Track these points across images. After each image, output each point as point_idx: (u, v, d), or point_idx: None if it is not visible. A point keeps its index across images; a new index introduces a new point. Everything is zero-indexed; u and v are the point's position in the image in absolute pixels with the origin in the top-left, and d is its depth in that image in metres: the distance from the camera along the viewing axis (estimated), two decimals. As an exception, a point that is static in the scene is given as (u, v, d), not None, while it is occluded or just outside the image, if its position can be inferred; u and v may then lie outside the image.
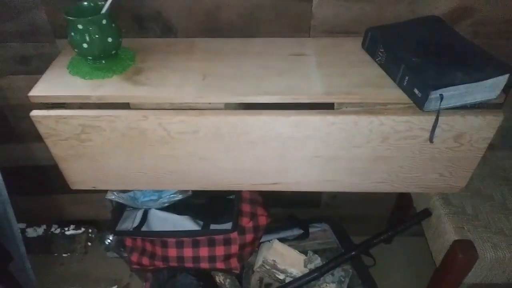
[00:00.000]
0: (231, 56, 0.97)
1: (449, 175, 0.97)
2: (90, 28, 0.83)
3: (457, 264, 0.98)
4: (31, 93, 0.85)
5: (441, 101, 0.76)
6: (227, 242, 1.14)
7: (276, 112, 0.85)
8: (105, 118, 0.85)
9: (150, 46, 1.00)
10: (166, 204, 1.14)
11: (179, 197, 1.13)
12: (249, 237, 1.17)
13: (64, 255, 1.63)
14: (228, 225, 1.12)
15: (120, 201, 1.16)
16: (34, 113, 0.85)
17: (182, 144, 0.90)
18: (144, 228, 1.14)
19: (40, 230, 1.61)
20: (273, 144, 0.90)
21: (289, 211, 1.54)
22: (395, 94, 0.85)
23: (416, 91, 0.78)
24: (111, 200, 1.16)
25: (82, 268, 1.59)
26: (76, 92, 0.85)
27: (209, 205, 1.19)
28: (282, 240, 1.32)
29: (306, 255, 1.25)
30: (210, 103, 0.87)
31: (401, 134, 0.88)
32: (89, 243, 1.64)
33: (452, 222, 1.02)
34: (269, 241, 1.28)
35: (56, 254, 1.63)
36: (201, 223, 1.15)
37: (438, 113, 0.79)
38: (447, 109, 0.80)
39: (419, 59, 0.82)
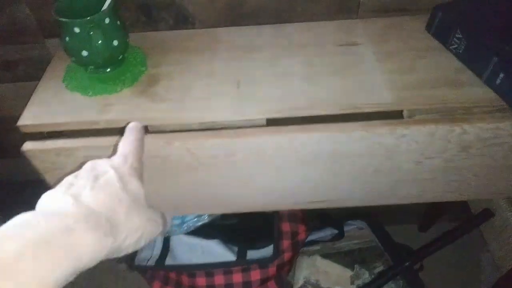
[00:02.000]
0: (266, 51, 0.78)
1: (532, 182, 0.80)
2: (91, 32, 0.62)
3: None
4: (20, 122, 0.66)
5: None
6: (263, 265, 0.98)
7: (334, 127, 0.67)
8: (117, 146, 0.67)
9: (164, 42, 0.81)
10: (192, 229, 0.97)
11: (206, 219, 0.96)
12: (287, 255, 1.01)
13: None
14: (267, 250, 0.95)
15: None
16: (27, 146, 0.66)
17: (214, 169, 0.72)
18: (168, 259, 0.97)
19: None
20: (326, 161, 0.73)
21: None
22: (480, 94, 0.67)
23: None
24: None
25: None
26: (78, 117, 0.66)
27: (242, 225, 1.02)
28: (314, 242, 1.17)
29: (351, 268, 1.11)
30: (249, 120, 0.68)
31: (485, 142, 0.70)
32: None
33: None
34: (308, 256, 1.13)
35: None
36: (235, 248, 0.98)
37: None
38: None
39: (519, 49, 0.64)
